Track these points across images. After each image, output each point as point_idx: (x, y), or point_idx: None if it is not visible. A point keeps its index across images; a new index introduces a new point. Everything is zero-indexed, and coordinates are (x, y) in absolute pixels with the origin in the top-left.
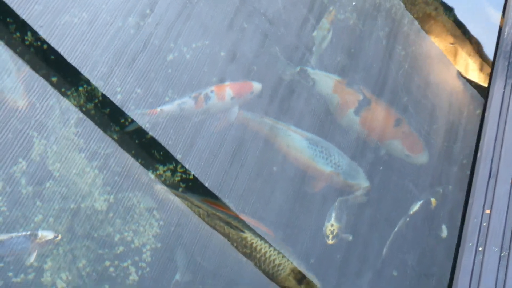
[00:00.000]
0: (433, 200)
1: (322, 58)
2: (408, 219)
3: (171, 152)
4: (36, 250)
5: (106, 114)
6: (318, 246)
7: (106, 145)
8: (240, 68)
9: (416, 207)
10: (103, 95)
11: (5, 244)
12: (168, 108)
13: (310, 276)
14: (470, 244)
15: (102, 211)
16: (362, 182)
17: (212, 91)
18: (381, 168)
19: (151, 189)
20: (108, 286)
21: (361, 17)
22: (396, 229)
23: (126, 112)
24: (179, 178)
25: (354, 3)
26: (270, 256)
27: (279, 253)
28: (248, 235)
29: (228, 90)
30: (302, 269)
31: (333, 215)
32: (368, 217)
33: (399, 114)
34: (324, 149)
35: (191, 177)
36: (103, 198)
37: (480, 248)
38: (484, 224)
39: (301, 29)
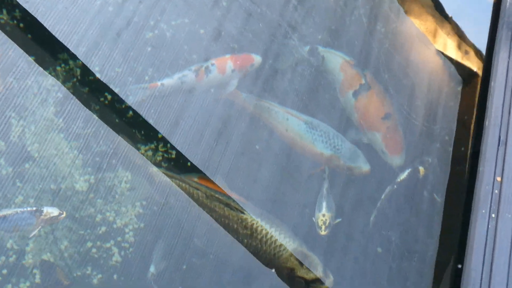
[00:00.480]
0: (421, 168)
1: (304, 36)
2: (395, 186)
3: (153, 131)
4: (40, 227)
5: (85, 94)
6: (305, 223)
7: (86, 125)
8: (223, 46)
9: (403, 175)
10: (82, 74)
11: (9, 219)
12: (168, 81)
13: (312, 256)
14: (483, 211)
15: (83, 191)
16: (363, 165)
17: (213, 64)
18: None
19: (133, 169)
20: (91, 267)
21: None
22: (383, 197)
23: (107, 90)
24: (160, 158)
25: None
26: (271, 237)
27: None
28: (248, 216)
29: (229, 63)
30: (304, 249)
31: (324, 204)
32: (352, 196)
33: (392, 108)
34: (324, 132)
35: (173, 156)
36: (84, 179)
37: (493, 215)
38: (496, 191)
39: (283, 7)
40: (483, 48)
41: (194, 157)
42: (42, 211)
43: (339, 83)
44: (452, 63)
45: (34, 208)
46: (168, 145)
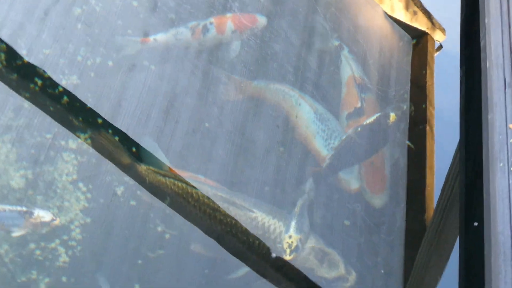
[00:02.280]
0: (392, 114)
1: (245, 3)
2: (359, 128)
3: (92, 116)
4: (27, 230)
5: (14, 80)
6: (265, 202)
7: (17, 115)
8: (161, 18)
9: (372, 118)
10: (8, 59)
11: None
12: (162, 37)
13: (332, 252)
14: (501, 164)
15: (20, 188)
16: (352, 181)
17: (211, 23)
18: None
19: (74, 159)
20: (36, 271)
21: None
22: (344, 137)
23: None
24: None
25: None
26: (286, 238)
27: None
28: (258, 214)
29: (229, 23)
30: (321, 245)
31: (293, 223)
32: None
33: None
34: (327, 129)
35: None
36: (20, 174)
37: None
38: (511, 140)
39: None
40: (432, 6)
41: (142, 140)
42: (32, 213)
43: (341, 98)
44: (401, 25)
45: (25, 209)
46: (110, 130)
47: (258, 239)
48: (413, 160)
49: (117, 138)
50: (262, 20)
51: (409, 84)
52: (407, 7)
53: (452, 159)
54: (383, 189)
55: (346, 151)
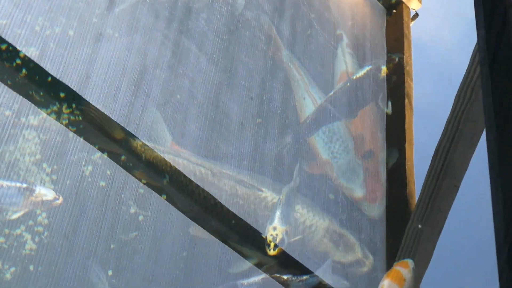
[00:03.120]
0: (384, 68)
1: None
2: (348, 84)
3: (54, 89)
4: (27, 209)
5: None
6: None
7: None
8: None
9: (361, 72)
10: None
11: None
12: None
13: (348, 234)
14: None
15: None
16: (356, 189)
17: None
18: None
19: (37, 137)
20: (1, 261)
21: None
22: (331, 93)
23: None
24: (66, 121)
25: None
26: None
27: (308, 211)
28: (268, 194)
29: None
30: (336, 227)
31: (277, 213)
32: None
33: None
34: (329, 130)
35: (80, 118)
36: None
37: None
38: None
39: None
40: None
41: (112, 114)
42: (33, 191)
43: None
44: None
45: (25, 185)
46: (74, 104)
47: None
48: (392, 134)
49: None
50: None
51: (385, 55)
52: None
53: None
54: (380, 198)
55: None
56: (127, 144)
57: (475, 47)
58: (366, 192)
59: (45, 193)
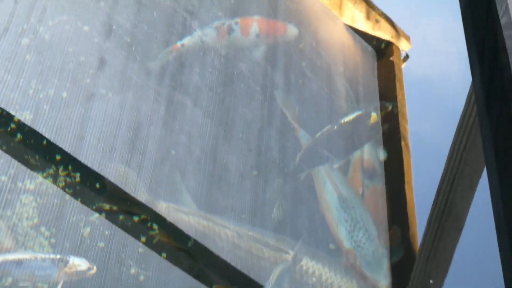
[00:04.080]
0: (374, 114)
1: (204, 20)
2: (336, 127)
3: (50, 152)
4: (63, 281)
5: None
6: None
7: None
8: (117, 42)
9: (350, 117)
10: None
11: (25, 264)
12: (189, 41)
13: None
14: None
15: None
16: (381, 279)
17: (236, 23)
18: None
19: (34, 201)
20: None
21: None
22: (318, 134)
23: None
24: (63, 184)
25: None
26: (327, 280)
27: (335, 274)
28: (292, 254)
29: (255, 25)
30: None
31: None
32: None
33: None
34: (351, 219)
35: (77, 180)
36: None
37: None
38: None
39: None
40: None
41: (108, 175)
42: (67, 262)
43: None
44: (364, 36)
45: (58, 256)
46: (70, 166)
47: None
48: (391, 178)
49: (78, 174)
50: (292, 31)
51: (378, 98)
52: (368, 16)
53: (445, 169)
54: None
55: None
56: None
57: (470, 88)
58: (391, 281)
59: (79, 263)
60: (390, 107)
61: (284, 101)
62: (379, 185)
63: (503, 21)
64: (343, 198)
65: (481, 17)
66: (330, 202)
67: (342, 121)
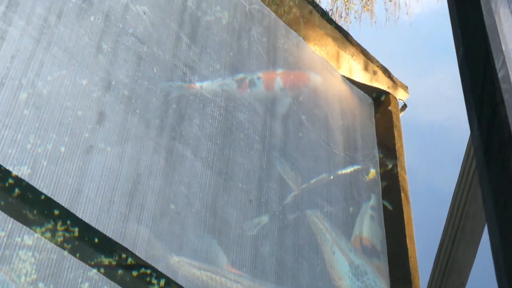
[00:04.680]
0: (372, 171)
1: (205, 74)
2: (332, 176)
3: (48, 207)
4: None
5: None
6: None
7: None
8: (116, 97)
9: (347, 169)
10: None
11: None
12: (208, 85)
13: None
14: None
15: None
16: None
17: (259, 78)
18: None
19: (32, 257)
20: None
21: (235, 32)
22: (312, 181)
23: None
24: (61, 239)
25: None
26: None
27: None
28: None
29: (278, 80)
30: None
31: None
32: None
33: None
34: (365, 286)
35: (76, 234)
36: None
37: None
38: None
39: (175, 47)
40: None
41: (106, 229)
42: None
43: None
44: (362, 87)
45: None
46: (69, 221)
47: None
48: (392, 230)
49: (77, 229)
50: (315, 79)
51: (376, 147)
52: (366, 68)
53: (446, 223)
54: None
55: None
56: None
57: (469, 140)
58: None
59: None
60: (390, 166)
61: (284, 169)
62: (381, 262)
63: (500, 74)
64: (355, 265)
65: (479, 70)
66: (341, 270)
67: (340, 172)
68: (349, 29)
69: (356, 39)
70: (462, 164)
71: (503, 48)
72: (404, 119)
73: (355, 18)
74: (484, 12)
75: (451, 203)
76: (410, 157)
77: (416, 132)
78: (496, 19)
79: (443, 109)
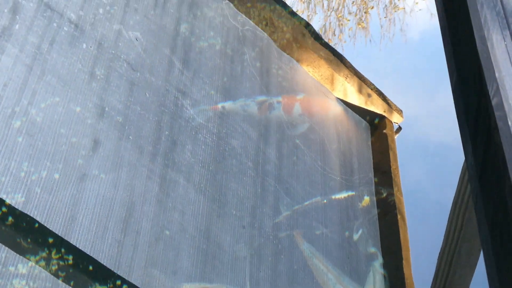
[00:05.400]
0: (366, 198)
1: (197, 99)
2: (325, 200)
3: (42, 235)
4: None
5: None
6: None
7: None
8: (110, 123)
9: (342, 194)
10: None
11: None
12: (230, 106)
13: None
14: None
15: None
16: None
17: (278, 102)
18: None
19: (24, 287)
20: None
21: (228, 56)
22: (307, 203)
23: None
24: (56, 267)
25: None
26: None
27: None
28: None
29: (297, 105)
30: None
31: None
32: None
33: None
34: None
35: (70, 262)
36: None
37: None
38: None
39: (168, 72)
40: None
41: (101, 256)
42: None
43: None
44: (356, 110)
45: None
46: (63, 249)
47: None
48: (388, 253)
49: (71, 257)
50: (335, 107)
51: (372, 170)
52: (360, 90)
53: (442, 247)
54: None
55: None
56: None
57: (463, 165)
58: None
59: None
60: (386, 189)
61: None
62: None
63: (494, 101)
64: None
65: (472, 96)
66: None
67: (335, 197)
68: (343, 48)
69: (354, 59)
70: (457, 187)
71: (497, 75)
72: (416, 139)
73: (349, 37)
74: (477, 39)
75: (447, 225)
76: (422, 176)
77: (428, 152)
78: (489, 45)
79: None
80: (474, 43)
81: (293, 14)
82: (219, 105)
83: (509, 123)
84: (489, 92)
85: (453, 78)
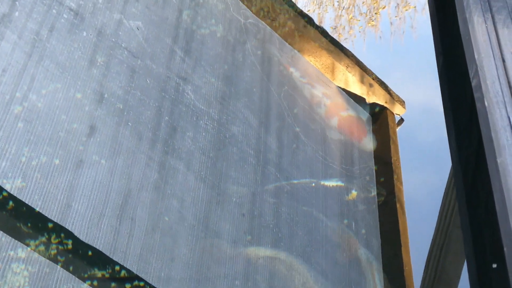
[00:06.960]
0: (354, 192)
1: (198, 87)
2: (313, 184)
3: (41, 220)
4: None
5: None
6: None
7: None
8: (109, 109)
9: (332, 182)
10: None
11: None
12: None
13: None
14: None
15: None
16: None
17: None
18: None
19: (25, 271)
20: None
21: (229, 45)
22: (297, 181)
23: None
24: (55, 251)
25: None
26: None
27: None
28: None
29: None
30: None
31: None
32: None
33: None
34: None
35: (69, 247)
36: None
37: None
38: None
39: (169, 60)
40: (388, 78)
41: (97, 243)
42: None
43: None
44: (358, 100)
45: None
46: (62, 234)
47: None
48: (387, 240)
49: (70, 242)
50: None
51: (373, 161)
52: (362, 80)
53: (434, 233)
54: None
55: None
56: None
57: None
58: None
59: None
60: (387, 179)
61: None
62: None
63: (473, 83)
64: None
65: (457, 79)
66: None
67: (335, 185)
68: (354, 43)
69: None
70: (449, 174)
71: (476, 56)
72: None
73: (359, 32)
74: (460, 21)
75: (439, 212)
76: (430, 175)
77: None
78: (469, 27)
79: None
80: (457, 25)
81: (292, 4)
82: (219, 92)
83: (485, 103)
84: (469, 74)
85: (440, 61)
